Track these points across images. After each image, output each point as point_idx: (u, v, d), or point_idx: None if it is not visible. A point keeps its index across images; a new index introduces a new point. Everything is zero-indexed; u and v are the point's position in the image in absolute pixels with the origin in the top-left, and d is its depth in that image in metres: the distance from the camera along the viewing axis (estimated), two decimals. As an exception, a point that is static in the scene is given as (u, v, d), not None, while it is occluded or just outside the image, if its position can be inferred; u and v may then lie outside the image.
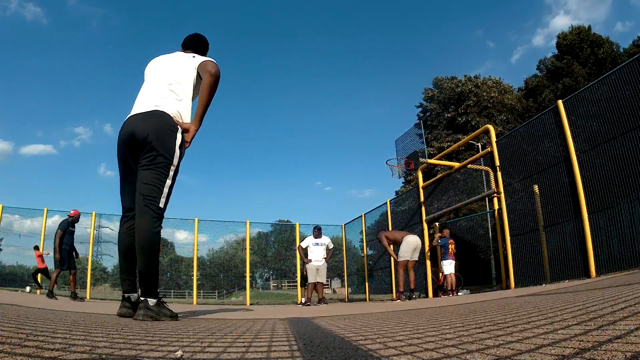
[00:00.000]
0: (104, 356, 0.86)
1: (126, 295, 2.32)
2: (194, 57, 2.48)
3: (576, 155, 5.24)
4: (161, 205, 2.22)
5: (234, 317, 2.94)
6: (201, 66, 2.37)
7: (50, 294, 6.74)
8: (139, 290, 2.23)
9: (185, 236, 12.65)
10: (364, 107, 79.45)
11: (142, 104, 2.33)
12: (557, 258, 5.59)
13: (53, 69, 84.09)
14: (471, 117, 24.46)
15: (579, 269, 5.15)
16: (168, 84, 2.36)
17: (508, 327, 1.22)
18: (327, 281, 8.38)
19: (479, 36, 58.08)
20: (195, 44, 2.69)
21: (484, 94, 24.96)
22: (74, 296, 7.07)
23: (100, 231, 12.25)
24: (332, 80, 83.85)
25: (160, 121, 2.24)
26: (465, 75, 27.01)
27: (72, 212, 7.65)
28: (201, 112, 2.35)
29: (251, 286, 10.90)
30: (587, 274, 4.93)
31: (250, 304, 10.62)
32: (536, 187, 6.00)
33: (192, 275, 12.00)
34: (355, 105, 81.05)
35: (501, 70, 62.80)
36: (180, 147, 2.30)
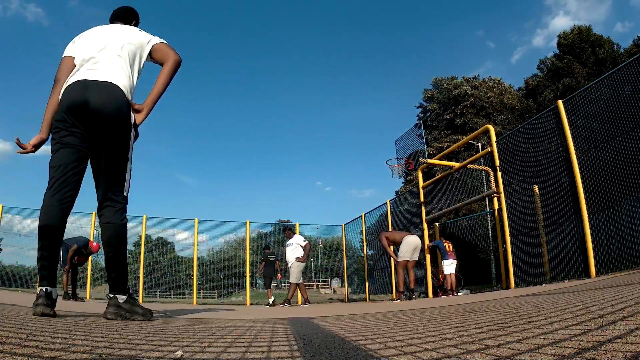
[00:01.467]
0: (104, 356, 0.86)
1: (46, 289, 1.84)
2: (140, 30, 2.26)
3: (576, 155, 5.24)
4: (125, 194, 2.10)
5: (234, 317, 2.94)
6: (160, 49, 2.19)
7: (67, 295, 6.89)
8: (109, 286, 2.05)
9: (185, 236, 12.66)
10: (364, 107, 79.56)
11: (92, 71, 2.01)
12: (557, 258, 5.59)
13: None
14: (468, 117, 24.47)
15: (579, 269, 5.15)
16: (118, 55, 2.09)
17: (508, 327, 1.22)
18: (302, 281, 8.20)
19: (479, 36, 58.17)
20: (130, 16, 2.49)
21: (482, 94, 24.97)
22: (68, 295, 7.05)
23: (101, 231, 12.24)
24: (333, 80, 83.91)
25: (118, 97, 1.99)
26: (463, 77, 27.04)
27: (95, 244, 7.73)
28: (156, 97, 2.13)
29: (251, 286, 10.91)
30: (587, 274, 4.93)
31: (250, 304, 10.62)
32: (536, 187, 6.01)
33: (192, 275, 12.00)
34: (355, 105, 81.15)
35: (501, 71, 62.93)
36: (134, 127, 2.10)
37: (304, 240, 8.06)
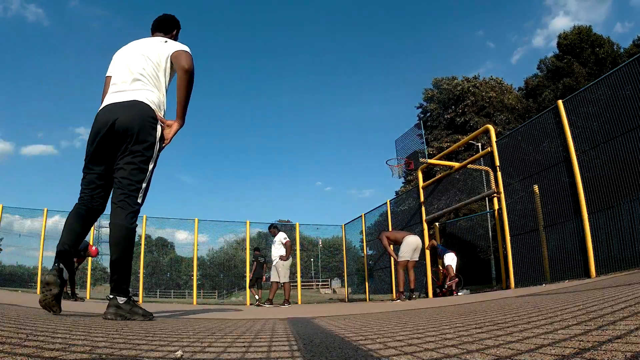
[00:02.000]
0: (104, 356, 0.86)
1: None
2: (166, 42, 2.37)
3: (576, 155, 5.24)
4: (139, 200, 2.17)
5: (234, 317, 2.94)
6: (175, 58, 2.29)
7: (67, 295, 6.84)
8: (110, 286, 2.10)
9: (185, 236, 12.66)
10: (364, 107, 79.57)
11: (118, 94, 2.21)
12: (557, 258, 5.59)
13: (54, 70, 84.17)
14: (469, 117, 24.47)
15: (579, 269, 5.15)
16: (141, 73, 2.25)
17: (508, 327, 1.22)
18: (288, 280, 8.00)
19: (480, 37, 58.17)
20: (164, 25, 2.57)
21: (482, 93, 24.97)
22: (68, 295, 7.01)
23: (101, 231, 12.27)
24: (333, 80, 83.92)
25: (141, 113, 2.15)
26: (463, 77, 27.04)
27: (94, 248, 7.80)
28: (182, 110, 2.28)
29: (253, 285, 10.91)
30: (587, 274, 4.93)
31: (250, 304, 10.62)
32: (536, 187, 6.00)
33: (192, 275, 12.00)
34: (355, 105, 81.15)
35: (501, 71, 62.97)
36: (160, 140, 2.23)
37: (285, 238, 7.93)
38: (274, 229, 8.18)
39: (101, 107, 2.23)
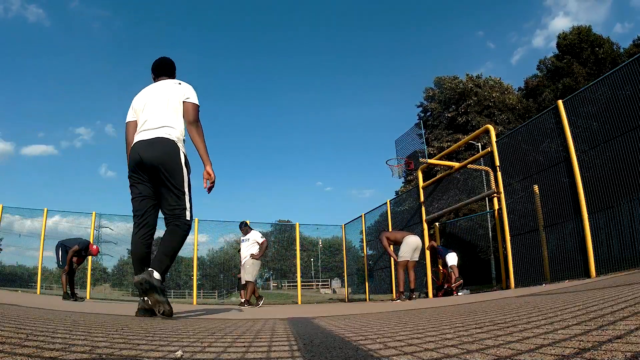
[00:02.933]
0: (104, 356, 0.86)
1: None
2: (180, 84, 2.75)
3: (576, 155, 5.24)
4: (188, 219, 2.55)
5: (234, 317, 2.94)
6: (185, 108, 2.67)
7: (67, 296, 6.87)
8: (152, 261, 2.47)
9: (185, 236, 12.63)
10: (364, 107, 79.59)
11: (145, 132, 2.59)
12: (557, 258, 5.59)
13: (55, 70, 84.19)
14: (472, 116, 24.45)
15: (579, 269, 5.15)
16: (164, 113, 2.62)
17: (508, 327, 1.22)
18: (256, 280, 7.73)
19: (480, 37, 58.18)
20: (169, 70, 2.97)
21: (485, 93, 24.96)
22: (68, 296, 7.02)
23: (101, 231, 12.26)
24: (333, 80, 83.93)
25: (165, 148, 2.52)
26: (467, 74, 26.99)
27: (95, 247, 7.74)
28: (204, 154, 2.66)
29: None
30: (587, 274, 4.93)
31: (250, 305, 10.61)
32: (536, 187, 6.00)
33: (192, 275, 12.00)
34: (355, 105, 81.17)
35: (501, 71, 62.96)
36: (186, 164, 2.59)
37: (262, 237, 7.56)
38: (245, 227, 7.74)
39: (132, 145, 2.60)
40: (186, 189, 2.55)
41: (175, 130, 2.59)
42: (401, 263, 7.06)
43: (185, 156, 2.59)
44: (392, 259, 8.28)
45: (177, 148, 2.55)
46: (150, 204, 2.58)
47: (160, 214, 2.65)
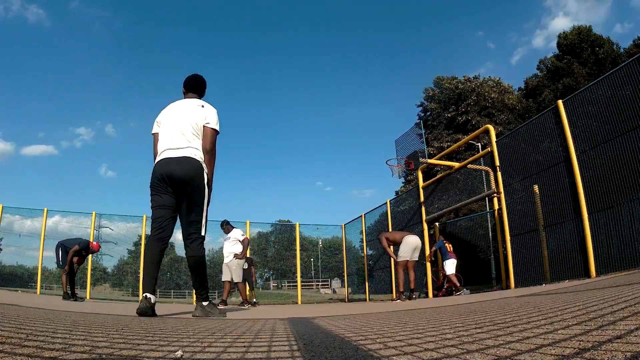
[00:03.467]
0: (104, 356, 0.86)
1: (147, 295, 2.67)
2: (202, 106, 2.98)
3: (576, 155, 5.24)
4: (203, 233, 2.87)
5: (234, 317, 2.94)
6: (205, 132, 2.91)
7: (67, 296, 6.84)
8: (196, 296, 2.95)
9: (186, 236, 12.62)
10: (364, 107, 79.57)
11: (172, 150, 2.84)
12: (557, 258, 5.58)
13: (55, 70, 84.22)
14: (471, 116, 24.44)
15: (579, 269, 5.15)
16: (188, 135, 2.87)
17: (508, 327, 1.22)
18: (245, 280, 7.64)
19: (480, 37, 58.18)
20: (200, 88, 3.20)
21: (485, 93, 24.95)
22: (68, 296, 6.97)
23: (101, 231, 12.25)
24: (333, 80, 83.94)
25: (193, 167, 2.79)
26: (464, 76, 27.00)
27: (95, 243, 7.74)
28: (209, 180, 2.93)
29: (251, 287, 10.89)
30: (587, 274, 4.93)
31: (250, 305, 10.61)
32: (536, 187, 6.00)
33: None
34: (355, 105, 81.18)
35: (501, 71, 62.96)
36: (208, 184, 2.87)
37: (242, 235, 7.40)
38: (227, 225, 7.55)
39: (158, 160, 2.85)
40: (205, 206, 2.86)
41: (199, 151, 2.86)
42: (401, 263, 7.06)
43: (207, 176, 2.87)
44: (392, 259, 8.27)
45: (203, 168, 2.84)
46: (170, 214, 2.83)
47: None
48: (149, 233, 12.46)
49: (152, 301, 2.64)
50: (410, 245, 7.01)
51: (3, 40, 76.12)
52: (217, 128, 2.94)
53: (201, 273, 2.92)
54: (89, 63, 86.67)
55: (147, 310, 2.55)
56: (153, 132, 3.02)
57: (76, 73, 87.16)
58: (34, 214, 10.90)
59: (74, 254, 7.10)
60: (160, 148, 2.88)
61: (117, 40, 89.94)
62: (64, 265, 7.03)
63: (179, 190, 2.80)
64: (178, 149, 2.83)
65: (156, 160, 2.88)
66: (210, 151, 2.88)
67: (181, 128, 2.87)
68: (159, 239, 2.80)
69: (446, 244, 8.12)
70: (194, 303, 3.29)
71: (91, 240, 8.34)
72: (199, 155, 2.84)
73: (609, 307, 1.40)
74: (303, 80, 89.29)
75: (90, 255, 8.32)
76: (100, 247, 7.90)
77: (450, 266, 7.88)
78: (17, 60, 79.31)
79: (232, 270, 7.24)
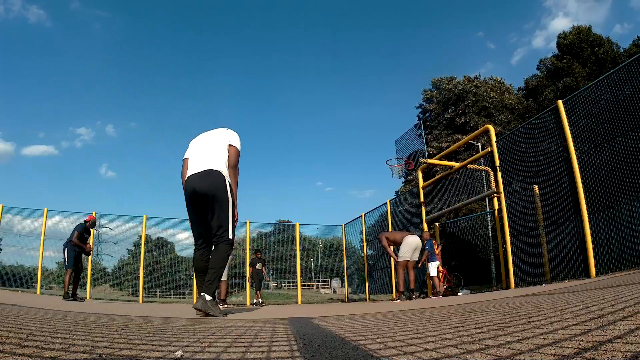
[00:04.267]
0: (104, 356, 0.86)
1: (202, 294, 2.98)
2: (227, 130, 3.39)
3: (576, 155, 5.24)
4: (230, 236, 3.07)
5: (234, 317, 2.94)
6: (230, 150, 3.25)
7: (67, 295, 6.78)
8: (203, 287, 3.01)
9: (186, 236, 12.65)
10: (364, 107, 79.59)
11: (197, 165, 3.17)
12: (557, 258, 5.58)
13: (55, 71, 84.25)
14: (470, 117, 24.43)
15: (579, 269, 5.15)
16: (213, 151, 3.22)
17: (508, 327, 1.22)
18: (226, 279, 7.71)
19: (480, 38, 58.19)
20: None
21: (483, 94, 24.93)
22: (68, 296, 6.90)
23: (101, 231, 12.25)
24: (333, 80, 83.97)
25: (215, 178, 3.07)
26: (464, 76, 26.97)
27: (88, 217, 7.64)
28: (233, 196, 3.20)
29: (251, 286, 10.87)
30: (587, 274, 4.93)
31: (250, 304, 10.62)
32: (536, 187, 6.00)
33: (192, 275, 11.99)
34: (356, 105, 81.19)
35: (501, 72, 63.01)
36: (230, 191, 3.12)
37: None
38: None
39: (186, 177, 3.18)
40: (230, 213, 3.09)
41: (222, 165, 3.18)
42: (401, 263, 7.06)
43: (229, 185, 3.14)
44: (392, 259, 8.26)
45: (224, 177, 3.11)
46: (205, 227, 3.15)
47: None
48: (148, 233, 12.51)
49: (207, 298, 2.98)
50: (410, 246, 7.01)
51: (4, 41, 76.11)
52: (240, 148, 3.31)
53: (219, 272, 3.06)
54: (89, 63, 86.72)
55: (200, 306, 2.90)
56: (184, 157, 3.36)
57: (77, 73, 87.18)
58: (34, 214, 10.91)
59: (79, 239, 7.12)
60: (188, 171, 3.22)
61: (117, 40, 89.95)
62: (70, 265, 7.04)
63: (205, 202, 3.07)
64: (203, 162, 3.18)
65: (185, 178, 3.23)
66: (234, 167, 3.20)
67: (208, 149, 3.24)
68: (202, 255, 3.19)
69: (434, 245, 8.07)
70: (194, 303, 3.31)
71: (90, 241, 8.29)
72: (220, 168, 3.14)
73: (609, 307, 1.40)
74: (304, 81, 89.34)
75: (92, 231, 8.28)
76: (95, 218, 7.81)
77: (433, 269, 7.80)
78: (18, 61, 79.36)
79: None
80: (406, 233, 7.48)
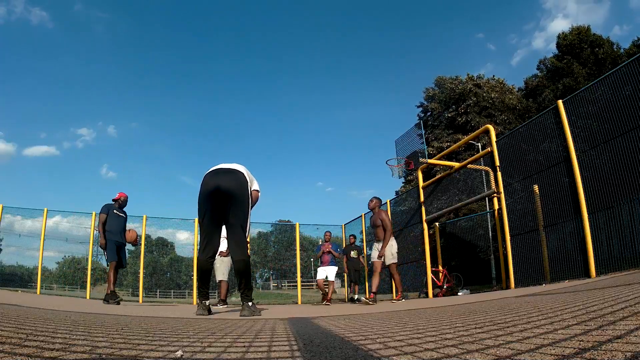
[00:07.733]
0: (104, 356, 0.86)
1: (203, 301, 3.16)
2: (249, 174, 3.47)
3: (576, 155, 5.24)
4: (248, 239, 3.17)
5: (235, 317, 2.94)
6: (253, 192, 3.41)
7: (111, 297, 5.67)
8: (240, 296, 3.17)
9: (186, 236, 12.63)
10: (364, 107, 79.54)
11: (221, 166, 3.29)
12: (557, 258, 5.58)
13: (57, 72, 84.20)
14: (471, 117, 24.43)
15: (579, 269, 5.15)
16: (238, 166, 3.34)
17: (508, 327, 1.22)
18: (227, 278, 7.48)
19: (480, 39, 58.17)
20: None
21: (485, 94, 24.94)
22: (109, 298, 5.79)
23: (101, 231, 12.21)
24: (333, 80, 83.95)
25: (238, 177, 3.17)
26: (467, 74, 26.95)
27: (117, 194, 6.37)
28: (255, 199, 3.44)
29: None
30: (587, 274, 4.93)
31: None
32: (536, 187, 6.00)
33: (192, 275, 11.99)
34: (356, 105, 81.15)
35: (502, 72, 62.96)
36: (250, 196, 3.22)
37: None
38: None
39: (209, 172, 3.23)
40: (249, 212, 3.20)
41: (247, 176, 3.29)
42: (393, 265, 6.78)
43: (250, 187, 3.26)
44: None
45: (247, 181, 3.24)
46: (216, 225, 3.17)
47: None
48: (148, 233, 12.49)
49: (207, 304, 3.17)
50: (395, 247, 6.79)
51: (6, 42, 76.01)
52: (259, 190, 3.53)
53: (246, 275, 3.15)
54: (91, 64, 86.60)
55: (205, 313, 3.06)
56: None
57: (78, 74, 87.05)
58: (34, 214, 10.90)
59: (102, 225, 6.01)
60: (210, 169, 3.29)
61: (119, 42, 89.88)
62: (113, 258, 6.01)
63: (226, 199, 3.11)
64: (227, 165, 3.30)
65: (205, 173, 3.27)
66: (255, 201, 3.43)
67: (233, 165, 3.37)
68: (206, 255, 3.18)
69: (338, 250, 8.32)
70: (194, 303, 3.37)
71: (90, 240, 8.20)
72: (247, 175, 3.27)
73: (609, 307, 1.40)
74: (304, 81, 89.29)
75: (89, 256, 7.84)
76: (126, 195, 6.51)
77: (331, 275, 8.06)
78: (20, 62, 79.24)
79: (216, 267, 7.15)
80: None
